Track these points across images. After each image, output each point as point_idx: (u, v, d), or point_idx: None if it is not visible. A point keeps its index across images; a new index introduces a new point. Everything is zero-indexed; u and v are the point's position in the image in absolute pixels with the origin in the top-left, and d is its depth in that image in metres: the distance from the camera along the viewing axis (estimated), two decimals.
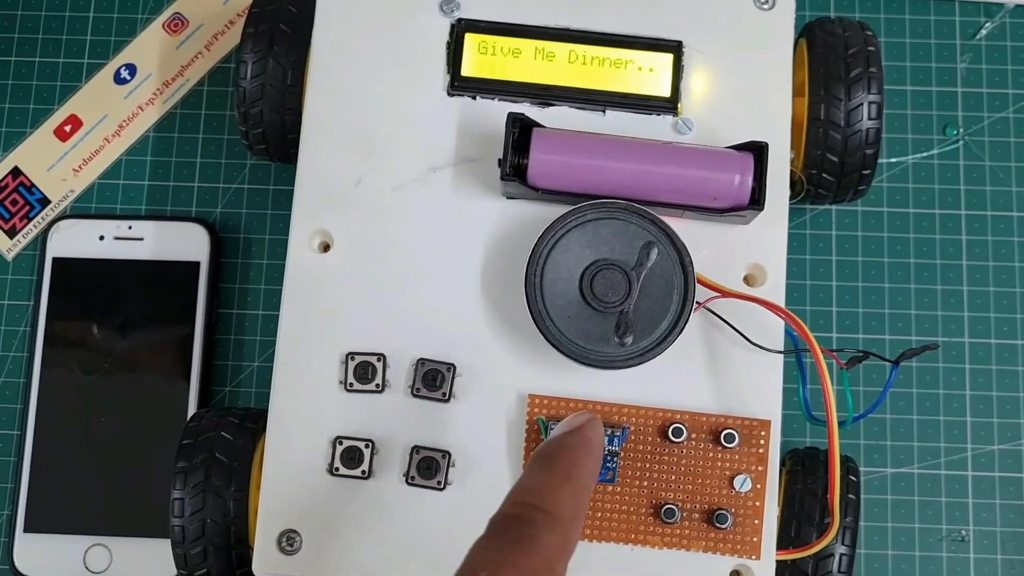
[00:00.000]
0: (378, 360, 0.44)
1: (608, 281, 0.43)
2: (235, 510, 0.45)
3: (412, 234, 0.45)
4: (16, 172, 0.57)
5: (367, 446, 0.44)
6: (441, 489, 0.44)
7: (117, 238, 0.55)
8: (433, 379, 0.44)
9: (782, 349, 0.44)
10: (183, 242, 0.55)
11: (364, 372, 0.44)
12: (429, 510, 0.44)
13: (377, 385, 0.44)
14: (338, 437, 0.44)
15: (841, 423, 0.44)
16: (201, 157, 0.57)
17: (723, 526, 0.43)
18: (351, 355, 0.44)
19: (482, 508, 0.43)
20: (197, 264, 0.55)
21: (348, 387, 0.44)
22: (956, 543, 0.53)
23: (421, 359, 0.44)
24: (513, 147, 0.43)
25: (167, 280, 0.55)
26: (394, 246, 0.45)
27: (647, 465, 0.43)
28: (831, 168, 0.49)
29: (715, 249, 0.45)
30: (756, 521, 0.43)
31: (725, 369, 0.44)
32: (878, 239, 0.56)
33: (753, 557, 0.43)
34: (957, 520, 0.53)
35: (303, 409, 0.44)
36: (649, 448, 0.44)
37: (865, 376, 0.54)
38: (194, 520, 0.45)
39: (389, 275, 0.45)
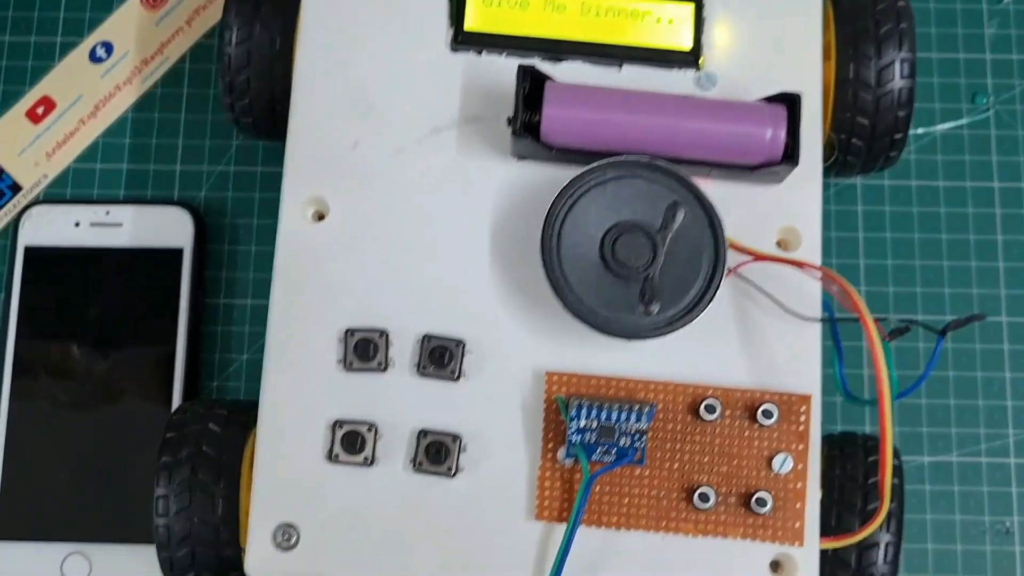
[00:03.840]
0: (380, 337, 0.40)
1: (631, 245, 0.39)
2: (224, 508, 0.41)
3: (415, 200, 0.42)
4: None
5: (369, 430, 0.40)
6: (452, 476, 0.40)
7: (94, 224, 0.51)
8: (441, 356, 0.40)
9: (822, 317, 0.41)
10: (165, 227, 0.51)
11: (365, 350, 0.40)
12: (439, 499, 0.40)
13: (379, 364, 0.40)
14: (337, 421, 0.40)
15: None
16: (184, 138, 0.53)
17: (762, 510, 0.39)
18: (350, 331, 0.40)
19: (497, 496, 0.40)
20: (180, 251, 0.51)
21: (347, 366, 0.40)
22: (1000, 536, 0.49)
23: (427, 335, 0.40)
24: (524, 102, 0.40)
25: (148, 268, 0.51)
26: (396, 213, 0.42)
27: (677, 446, 0.40)
28: (861, 132, 0.45)
29: (744, 213, 0.41)
30: (798, 505, 0.40)
31: (759, 341, 0.41)
32: (907, 214, 0.52)
33: (796, 544, 0.39)
34: (1001, 511, 0.49)
35: (299, 391, 0.40)
36: (679, 427, 0.40)
37: (897, 357, 0.50)
38: (180, 519, 0.41)
39: (391, 245, 0.41)
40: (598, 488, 0.39)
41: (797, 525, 0.39)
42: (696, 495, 0.39)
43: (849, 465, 0.42)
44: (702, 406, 0.40)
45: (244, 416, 0.44)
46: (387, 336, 0.40)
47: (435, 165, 0.42)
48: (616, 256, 0.39)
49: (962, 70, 0.54)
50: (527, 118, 0.40)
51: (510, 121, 0.41)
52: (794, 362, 0.41)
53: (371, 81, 0.43)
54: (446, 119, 0.42)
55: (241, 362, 0.51)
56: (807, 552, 0.39)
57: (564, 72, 0.42)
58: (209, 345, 0.51)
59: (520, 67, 0.40)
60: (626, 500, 0.39)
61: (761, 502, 0.39)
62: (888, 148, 0.46)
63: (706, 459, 0.40)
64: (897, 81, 0.45)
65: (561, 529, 0.39)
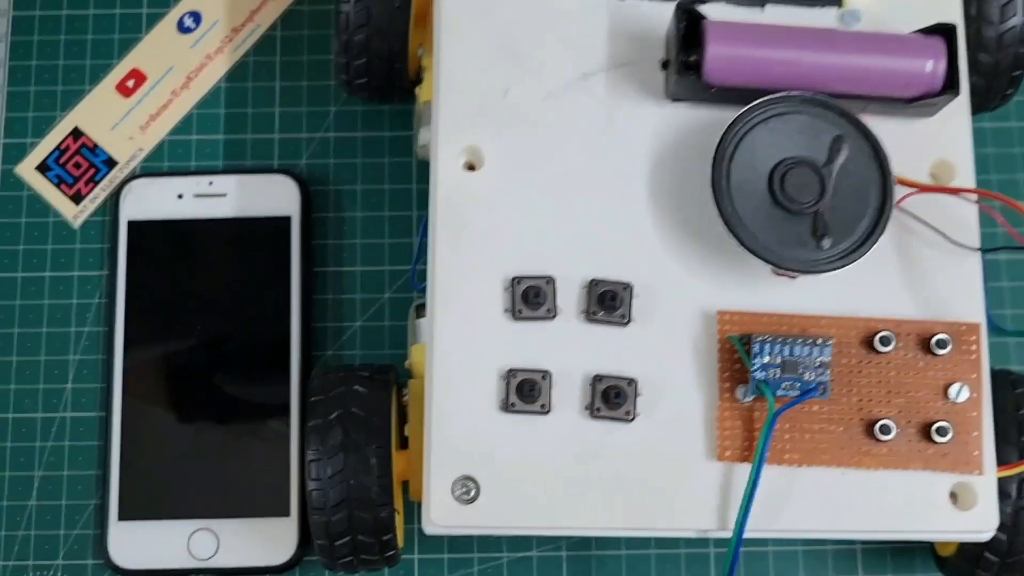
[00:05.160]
0: (547, 283, 0.40)
1: (799, 180, 0.39)
2: (379, 468, 0.40)
3: (570, 145, 0.41)
4: (77, 133, 0.52)
5: (543, 378, 0.39)
6: (630, 420, 0.39)
7: (197, 195, 0.50)
8: (611, 300, 0.40)
9: (985, 247, 0.41)
10: (271, 196, 0.50)
11: (534, 297, 0.39)
12: (619, 444, 0.39)
13: (548, 311, 0.40)
14: (511, 370, 0.39)
15: None
16: (280, 106, 0.52)
17: (943, 440, 0.39)
18: (517, 279, 0.40)
19: (677, 438, 0.39)
20: (288, 219, 0.50)
21: (516, 314, 0.40)
22: None
23: (594, 280, 0.40)
24: (682, 43, 0.40)
25: (256, 238, 0.50)
26: (552, 159, 0.41)
27: (854, 379, 0.40)
28: (984, 69, 0.45)
29: (897, 147, 0.41)
30: (975, 433, 0.40)
31: (923, 272, 0.41)
32: (1009, 155, 0.53)
33: (975, 472, 0.39)
34: None
35: (469, 341, 0.40)
36: (855, 361, 0.40)
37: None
38: (335, 482, 0.40)
39: (549, 190, 0.41)
40: (778, 426, 0.39)
41: (976, 453, 0.39)
42: (877, 427, 0.39)
43: (1000, 398, 0.42)
44: (876, 338, 0.39)
45: (385, 376, 0.43)
46: (554, 283, 0.40)
47: (588, 110, 0.41)
48: (786, 192, 0.39)
49: None
50: (684, 59, 0.40)
51: (664, 64, 0.41)
52: (959, 292, 0.41)
53: (517, 28, 0.42)
54: (594, 64, 0.42)
55: (355, 329, 0.50)
56: (986, 480, 0.39)
57: (708, 13, 0.42)
58: (320, 314, 0.50)
59: (677, 7, 0.40)
60: (807, 436, 0.39)
61: (942, 431, 0.39)
62: (1007, 86, 0.47)
63: (883, 391, 0.40)
64: (1019, 17, 0.45)
65: (743, 468, 0.39)
